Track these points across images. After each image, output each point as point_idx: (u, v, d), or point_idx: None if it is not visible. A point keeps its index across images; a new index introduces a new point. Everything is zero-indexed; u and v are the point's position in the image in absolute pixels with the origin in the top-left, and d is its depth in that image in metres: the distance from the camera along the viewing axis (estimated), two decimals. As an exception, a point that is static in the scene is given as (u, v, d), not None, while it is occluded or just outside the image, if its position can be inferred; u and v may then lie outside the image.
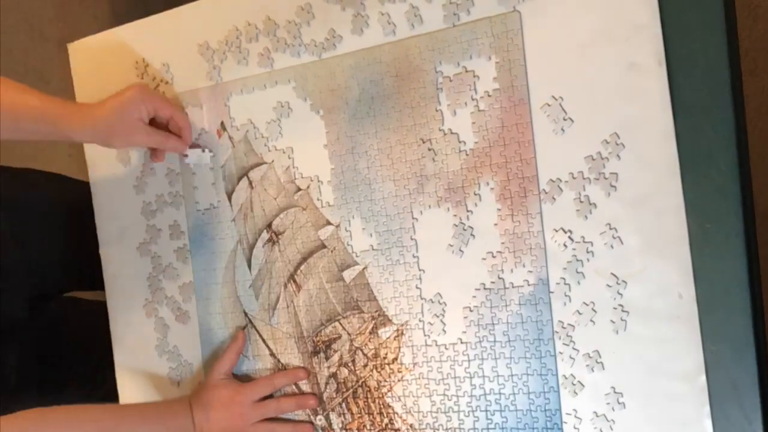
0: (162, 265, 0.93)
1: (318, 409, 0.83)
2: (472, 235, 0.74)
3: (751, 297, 0.63)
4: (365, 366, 0.80)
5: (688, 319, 0.65)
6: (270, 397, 0.84)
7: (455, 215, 0.74)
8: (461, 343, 0.75)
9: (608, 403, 0.68)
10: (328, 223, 0.82)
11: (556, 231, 0.70)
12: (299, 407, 0.83)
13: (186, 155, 0.88)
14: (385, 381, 0.79)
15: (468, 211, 0.74)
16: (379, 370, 0.79)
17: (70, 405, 0.75)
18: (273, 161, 0.85)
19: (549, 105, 0.70)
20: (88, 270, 0.99)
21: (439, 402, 0.76)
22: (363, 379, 0.80)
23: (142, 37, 0.93)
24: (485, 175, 0.73)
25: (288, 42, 0.84)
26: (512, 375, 0.72)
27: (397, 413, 0.78)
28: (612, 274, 0.68)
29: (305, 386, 0.84)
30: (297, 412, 0.84)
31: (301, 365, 0.84)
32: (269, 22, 0.85)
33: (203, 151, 0.88)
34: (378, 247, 0.79)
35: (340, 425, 0.82)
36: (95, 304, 1.02)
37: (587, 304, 0.69)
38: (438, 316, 0.76)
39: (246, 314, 0.87)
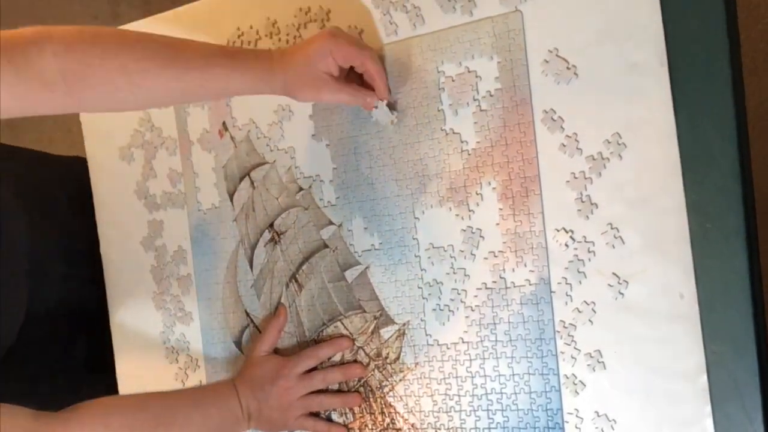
0: (163, 264, 0.93)
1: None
2: (481, 236, 0.74)
3: (752, 296, 0.63)
4: (367, 365, 0.80)
5: (689, 319, 0.65)
6: (315, 369, 0.82)
7: (457, 215, 0.75)
8: (463, 342, 0.75)
9: (609, 403, 0.69)
10: (330, 222, 0.82)
11: (558, 231, 0.70)
12: (346, 377, 0.80)
13: (375, 107, 0.77)
14: (387, 380, 0.79)
15: (470, 210, 0.74)
16: (380, 369, 0.79)
17: (125, 395, 0.75)
18: (275, 161, 0.85)
19: (551, 105, 0.70)
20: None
21: (441, 401, 0.76)
22: (364, 379, 0.80)
23: (144, 37, 0.93)
24: (487, 175, 0.73)
25: (290, 42, 0.84)
26: (514, 374, 0.73)
27: (398, 413, 0.79)
28: (613, 273, 0.68)
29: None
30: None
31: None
32: (270, 22, 0.85)
33: (392, 112, 0.77)
34: (380, 246, 0.79)
35: (342, 424, 0.82)
36: None
37: (588, 304, 0.69)
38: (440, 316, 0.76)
39: (247, 314, 0.88)
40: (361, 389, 0.81)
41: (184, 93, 0.72)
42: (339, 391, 0.82)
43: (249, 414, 0.80)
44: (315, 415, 0.82)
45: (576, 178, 0.69)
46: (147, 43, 0.68)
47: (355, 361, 0.81)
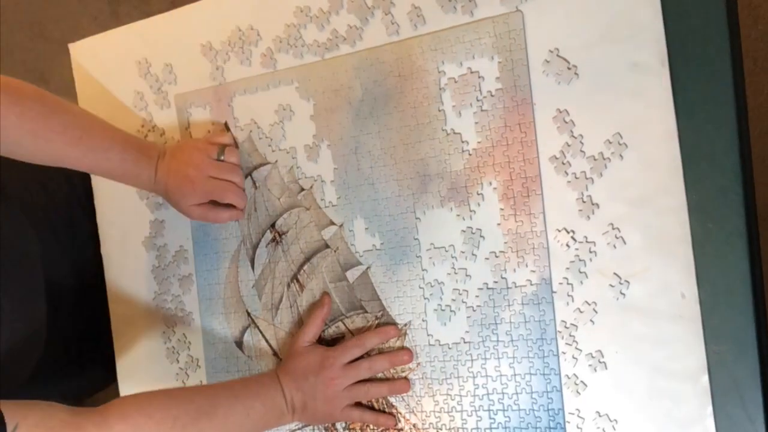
0: (164, 264, 0.93)
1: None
2: (482, 236, 0.74)
3: (753, 297, 0.63)
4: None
5: (691, 319, 0.65)
6: (360, 358, 0.79)
7: (458, 215, 0.75)
8: (464, 342, 0.75)
9: (611, 403, 0.69)
10: (332, 223, 0.82)
11: (559, 231, 0.70)
12: (393, 364, 0.78)
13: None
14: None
15: (471, 211, 0.74)
16: (382, 369, 0.79)
17: (164, 389, 0.74)
18: (276, 161, 0.85)
19: (551, 105, 0.70)
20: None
21: (442, 401, 0.76)
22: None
23: (145, 37, 0.93)
24: (488, 175, 0.73)
25: (290, 43, 0.84)
26: (515, 374, 0.73)
27: (400, 413, 0.79)
28: (614, 273, 0.68)
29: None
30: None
31: None
32: (271, 22, 0.85)
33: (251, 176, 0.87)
34: (381, 247, 0.79)
35: (343, 425, 0.82)
36: None
37: (590, 304, 0.69)
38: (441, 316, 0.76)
39: (249, 314, 0.88)
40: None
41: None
42: (385, 378, 0.79)
43: (293, 406, 0.78)
44: (361, 405, 0.80)
45: (577, 178, 0.69)
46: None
47: (403, 348, 0.78)
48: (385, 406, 0.79)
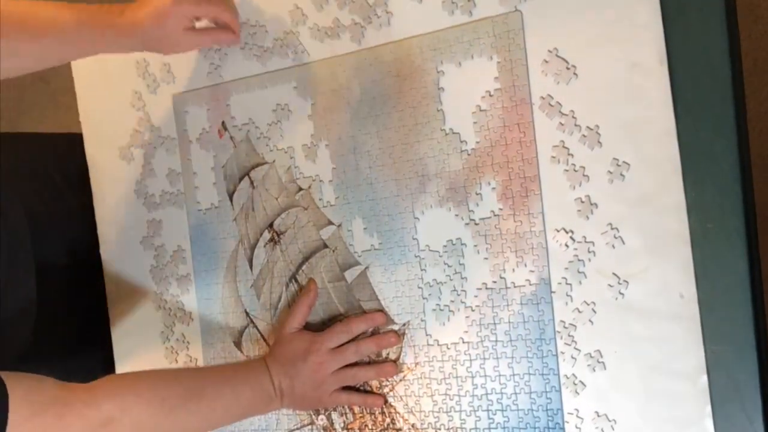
0: (162, 264, 0.93)
1: (319, 408, 0.83)
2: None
3: (752, 297, 0.63)
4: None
5: (690, 319, 0.65)
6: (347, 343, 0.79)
7: (457, 215, 0.75)
8: (463, 342, 0.75)
9: (610, 403, 0.69)
10: (330, 222, 0.82)
11: (558, 231, 0.70)
12: (380, 347, 0.78)
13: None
14: (387, 381, 0.79)
15: (470, 210, 0.74)
16: (380, 369, 0.79)
17: (153, 369, 0.75)
18: (274, 161, 0.85)
19: (550, 105, 0.70)
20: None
21: (441, 401, 0.76)
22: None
23: (143, 36, 0.93)
24: (487, 175, 0.73)
25: (289, 42, 0.84)
26: (514, 374, 0.73)
27: (398, 413, 0.79)
28: (613, 273, 0.68)
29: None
30: (299, 413, 0.84)
31: None
32: (270, 21, 0.85)
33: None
34: (380, 246, 0.79)
35: (342, 424, 0.82)
36: None
37: (589, 304, 0.69)
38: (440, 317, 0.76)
39: (247, 314, 0.88)
40: (361, 389, 0.81)
41: None
42: (372, 362, 0.79)
43: (281, 391, 0.78)
44: (349, 388, 0.80)
45: (576, 178, 0.69)
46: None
47: (394, 331, 0.78)
48: (384, 406, 0.79)
